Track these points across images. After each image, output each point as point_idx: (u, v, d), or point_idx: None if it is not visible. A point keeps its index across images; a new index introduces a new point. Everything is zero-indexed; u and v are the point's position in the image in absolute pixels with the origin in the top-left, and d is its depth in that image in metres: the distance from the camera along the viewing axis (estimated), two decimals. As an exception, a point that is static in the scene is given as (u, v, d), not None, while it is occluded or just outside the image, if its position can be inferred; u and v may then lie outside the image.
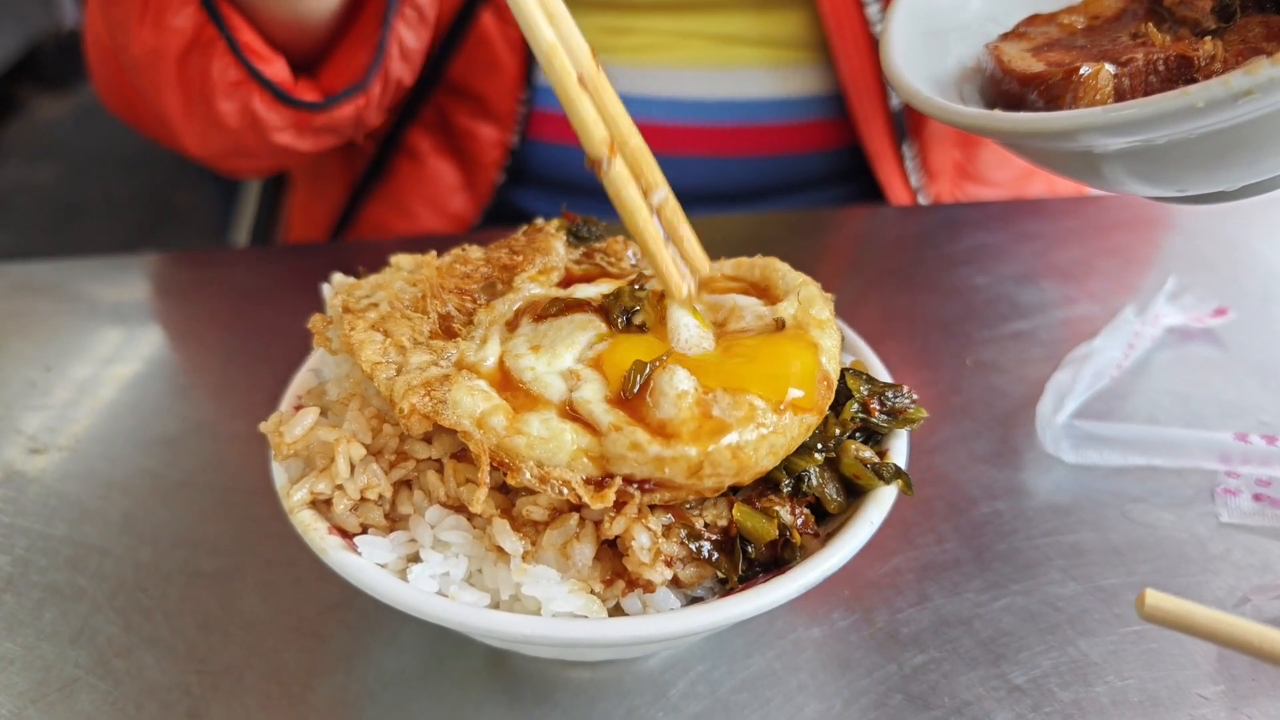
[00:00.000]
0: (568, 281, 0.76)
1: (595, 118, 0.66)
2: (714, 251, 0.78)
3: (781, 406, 0.61)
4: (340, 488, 0.64)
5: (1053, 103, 0.75)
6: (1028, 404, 0.97)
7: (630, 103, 1.38)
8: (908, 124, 1.35)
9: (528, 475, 0.60)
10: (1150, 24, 0.78)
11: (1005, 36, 0.87)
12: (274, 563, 0.83)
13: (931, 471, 0.91)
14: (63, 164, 4.45)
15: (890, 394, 0.70)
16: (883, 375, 0.75)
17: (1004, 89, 0.82)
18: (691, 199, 1.46)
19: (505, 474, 0.60)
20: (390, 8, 1.13)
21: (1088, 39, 0.83)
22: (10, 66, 4.59)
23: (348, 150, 1.51)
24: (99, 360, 1.09)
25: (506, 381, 0.65)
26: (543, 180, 1.45)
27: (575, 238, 0.82)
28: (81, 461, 0.94)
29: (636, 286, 0.73)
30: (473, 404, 0.62)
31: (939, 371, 1.04)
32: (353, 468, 0.65)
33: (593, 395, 0.62)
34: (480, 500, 0.59)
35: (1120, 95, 0.73)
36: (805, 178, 1.46)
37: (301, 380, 0.76)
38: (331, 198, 1.53)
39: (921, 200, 1.39)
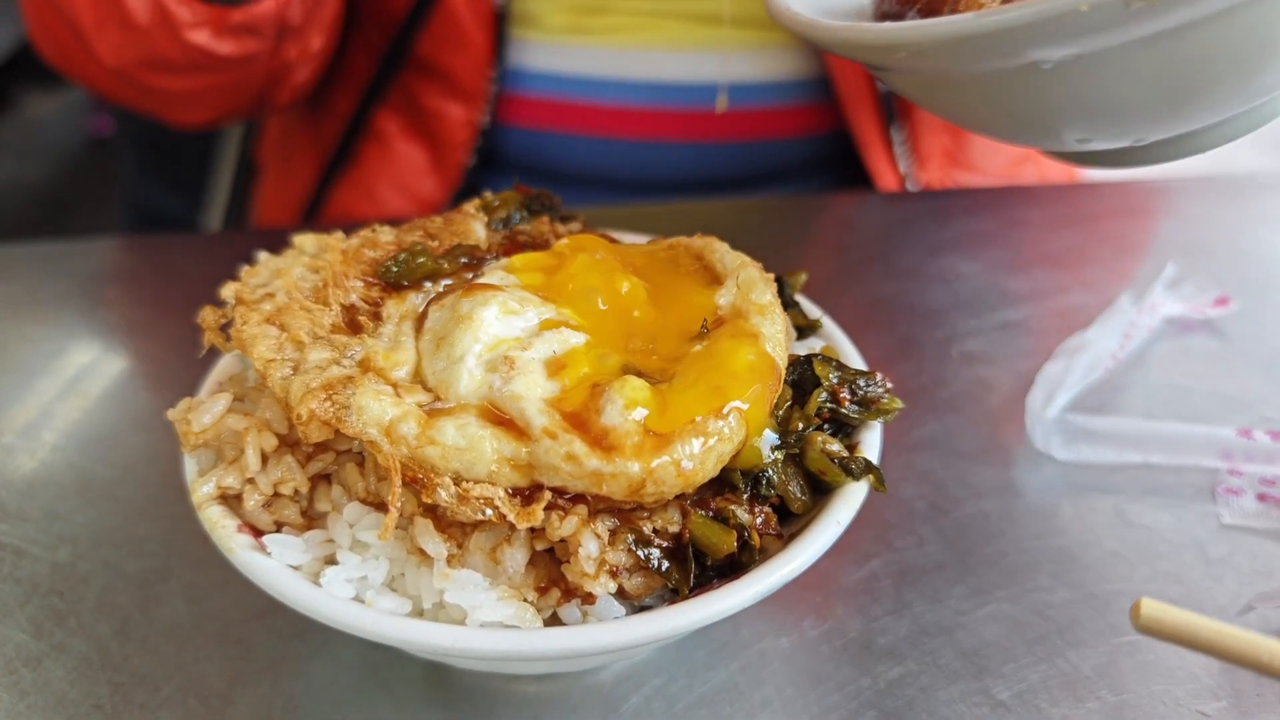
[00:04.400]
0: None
1: None
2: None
3: (725, 411, 0.55)
4: (251, 481, 0.58)
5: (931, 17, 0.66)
6: (1017, 397, 0.91)
7: (607, 86, 1.31)
8: (896, 107, 1.30)
9: (444, 495, 0.53)
10: None
11: None
12: (202, 564, 0.77)
13: (913, 469, 0.85)
14: (53, 161, 4.41)
15: (862, 382, 0.64)
16: (855, 361, 0.69)
17: (885, 11, 0.72)
18: (672, 188, 1.41)
19: (419, 492, 0.54)
20: None
21: None
22: (3, 63, 4.54)
23: (316, 134, 1.46)
24: (36, 350, 1.03)
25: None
26: (515, 165, 1.40)
27: (528, 211, 0.77)
28: (4, 456, 0.88)
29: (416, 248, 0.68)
30: (380, 410, 0.55)
31: (923, 363, 0.98)
32: (265, 460, 0.59)
33: (525, 390, 0.56)
34: (389, 530, 0.53)
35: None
36: (791, 165, 1.41)
37: (225, 365, 0.70)
38: (299, 183, 1.48)
39: (910, 187, 1.33)
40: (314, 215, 1.45)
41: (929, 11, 0.66)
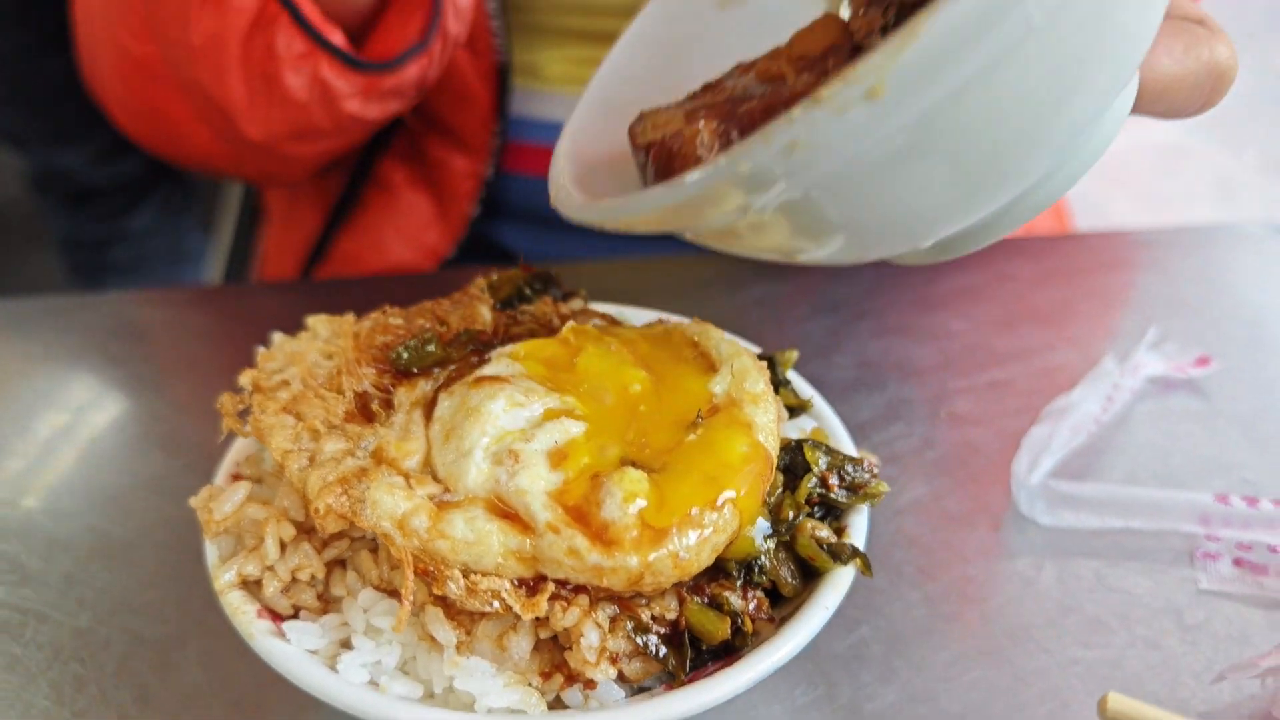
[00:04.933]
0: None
1: None
2: (684, 291, 0.75)
3: (719, 503, 0.58)
4: (270, 569, 0.61)
5: (663, 177, 0.57)
6: (1004, 460, 0.94)
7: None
8: None
9: (454, 588, 0.56)
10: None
11: (691, 97, 0.65)
12: (219, 630, 0.79)
13: (902, 533, 0.88)
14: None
15: (850, 468, 0.67)
16: (845, 444, 0.72)
17: (640, 167, 0.63)
18: (666, 234, 1.44)
19: (430, 584, 0.57)
20: None
21: (772, 86, 0.61)
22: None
23: (321, 181, 1.49)
24: (45, 408, 1.06)
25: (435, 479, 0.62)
26: (519, 213, 1.43)
27: (530, 290, 0.80)
28: (23, 517, 0.91)
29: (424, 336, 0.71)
30: (393, 503, 0.58)
31: (913, 424, 1.01)
32: (284, 547, 0.62)
33: (529, 485, 0.59)
34: (403, 622, 0.56)
35: None
36: None
37: (241, 446, 0.73)
38: (305, 230, 1.51)
39: None
40: (318, 262, 1.48)
41: (661, 172, 0.59)
